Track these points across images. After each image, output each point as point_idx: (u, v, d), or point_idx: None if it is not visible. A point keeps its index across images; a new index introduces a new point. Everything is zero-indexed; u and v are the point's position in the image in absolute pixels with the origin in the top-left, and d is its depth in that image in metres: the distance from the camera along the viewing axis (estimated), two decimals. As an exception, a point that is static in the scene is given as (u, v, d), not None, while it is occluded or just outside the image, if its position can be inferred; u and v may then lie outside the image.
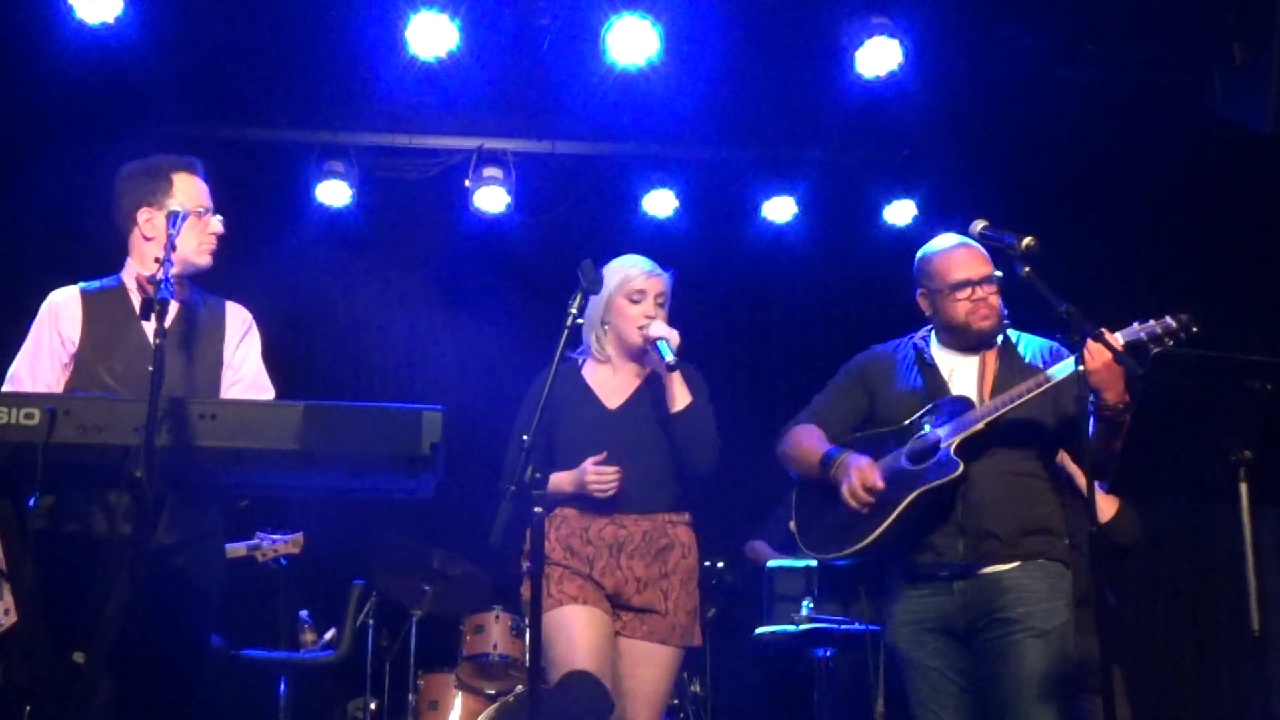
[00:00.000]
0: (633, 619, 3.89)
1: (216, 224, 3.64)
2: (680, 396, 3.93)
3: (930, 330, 3.84)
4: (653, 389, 4.03)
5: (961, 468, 3.50)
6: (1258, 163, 6.04)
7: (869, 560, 3.71)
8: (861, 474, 3.58)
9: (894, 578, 3.73)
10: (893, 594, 3.73)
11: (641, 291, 3.98)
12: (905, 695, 3.71)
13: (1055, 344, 3.70)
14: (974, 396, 3.64)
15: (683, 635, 3.93)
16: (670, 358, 3.83)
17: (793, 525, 3.86)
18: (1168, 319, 3.41)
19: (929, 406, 3.65)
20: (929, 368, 3.76)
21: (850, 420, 3.83)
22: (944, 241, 3.80)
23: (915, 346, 3.83)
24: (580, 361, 4.13)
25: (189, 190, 3.61)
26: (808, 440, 3.80)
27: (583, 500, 3.89)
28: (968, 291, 3.66)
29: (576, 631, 3.77)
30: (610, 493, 3.84)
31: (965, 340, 3.74)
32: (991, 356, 3.74)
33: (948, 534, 3.56)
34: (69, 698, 2.77)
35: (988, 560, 3.54)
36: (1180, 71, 5.85)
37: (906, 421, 3.68)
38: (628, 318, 3.99)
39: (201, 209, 3.60)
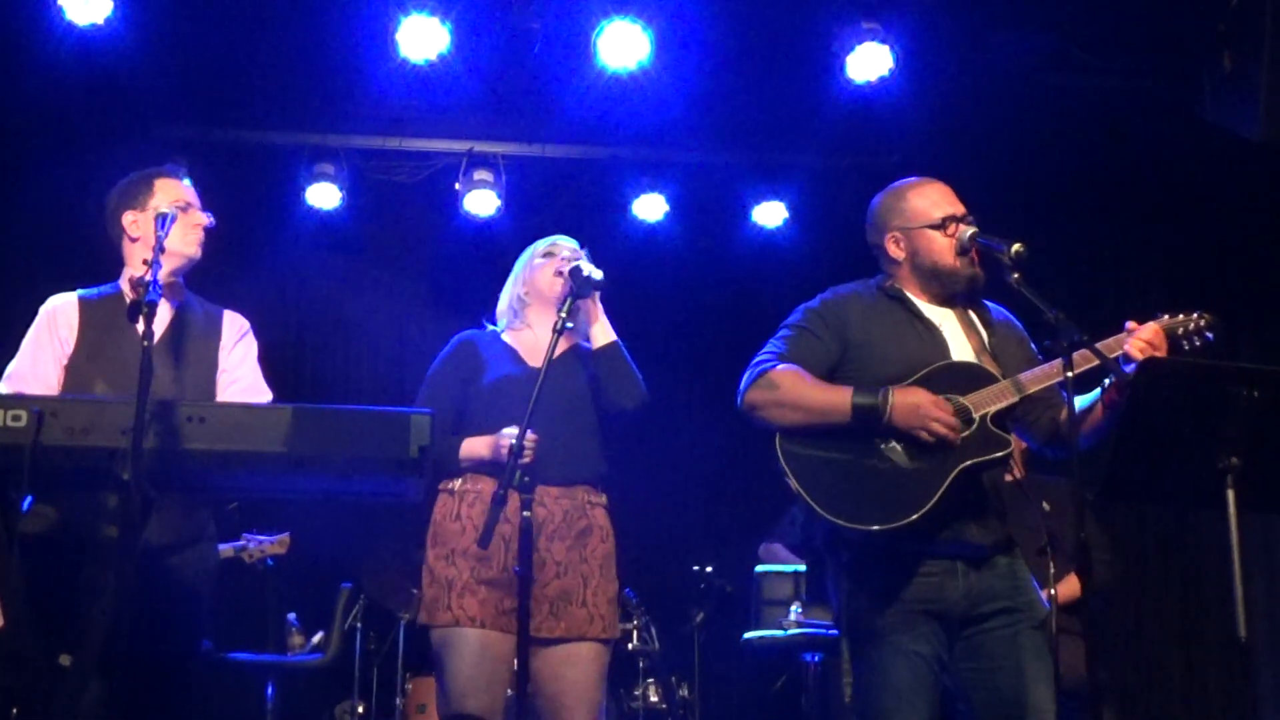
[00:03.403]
0: (547, 617, 3.64)
1: (202, 217, 3.66)
2: (601, 333, 3.86)
3: (887, 279, 3.49)
4: (579, 356, 3.92)
5: (1012, 445, 3.22)
6: (1246, 170, 6.06)
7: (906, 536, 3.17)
8: (940, 405, 3.15)
9: (876, 551, 3.21)
10: (874, 568, 3.23)
11: (549, 254, 4.01)
12: (864, 683, 3.24)
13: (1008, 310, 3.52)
14: (968, 358, 3.35)
15: (604, 627, 3.72)
16: (589, 272, 3.74)
17: (793, 483, 3.21)
18: (1195, 314, 3.33)
19: (930, 369, 3.28)
20: (920, 319, 3.39)
21: (820, 372, 3.33)
22: (911, 180, 3.55)
23: (892, 295, 3.43)
24: (499, 330, 4.05)
25: (170, 191, 3.65)
26: (807, 384, 3.26)
27: (497, 470, 3.58)
28: (955, 229, 3.38)
29: (469, 665, 3.62)
30: (527, 460, 3.46)
31: (945, 288, 3.41)
32: (969, 313, 3.44)
33: (965, 512, 3.22)
34: (55, 701, 2.75)
35: (999, 544, 3.28)
36: (1170, 79, 5.86)
37: (909, 382, 3.25)
38: (543, 271, 3.98)
39: (184, 204, 3.62)
